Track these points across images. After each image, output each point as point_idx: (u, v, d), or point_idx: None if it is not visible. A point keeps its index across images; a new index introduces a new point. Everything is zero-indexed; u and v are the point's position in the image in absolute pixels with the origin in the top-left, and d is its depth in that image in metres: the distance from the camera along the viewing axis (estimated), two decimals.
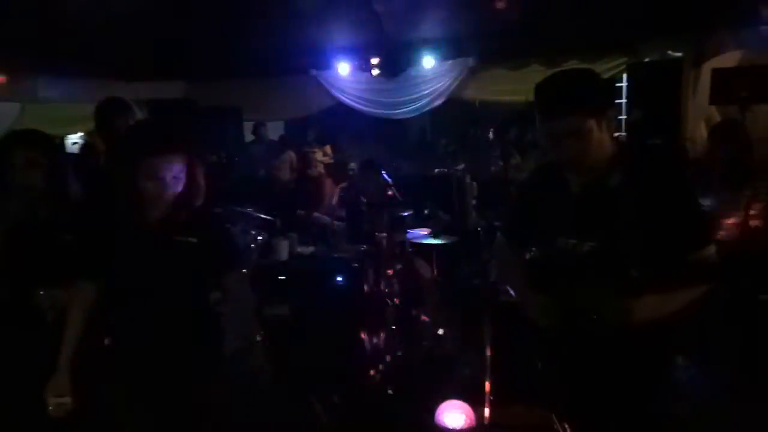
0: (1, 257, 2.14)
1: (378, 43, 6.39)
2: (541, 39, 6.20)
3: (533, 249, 2.13)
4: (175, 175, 1.86)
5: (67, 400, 1.93)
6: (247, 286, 2.11)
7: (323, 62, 6.76)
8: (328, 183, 6.97)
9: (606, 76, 6.19)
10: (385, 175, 3.72)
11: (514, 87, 6.35)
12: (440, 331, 3.94)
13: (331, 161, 8.13)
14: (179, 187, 1.90)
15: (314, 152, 8.13)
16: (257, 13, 5.88)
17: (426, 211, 5.40)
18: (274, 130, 9.05)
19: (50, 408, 1.92)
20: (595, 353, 1.81)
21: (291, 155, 8.03)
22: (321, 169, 8.02)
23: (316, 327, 3.11)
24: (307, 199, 6.20)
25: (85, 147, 6.52)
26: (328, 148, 8.33)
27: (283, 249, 3.35)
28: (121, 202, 1.90)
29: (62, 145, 7.07)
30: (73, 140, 7.74)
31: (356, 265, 3.28)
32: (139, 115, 7.32)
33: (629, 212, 1.69)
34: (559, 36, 6.15)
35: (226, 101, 7.20)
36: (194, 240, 1.93)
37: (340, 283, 3.10)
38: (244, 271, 2.69)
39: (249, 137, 8.05)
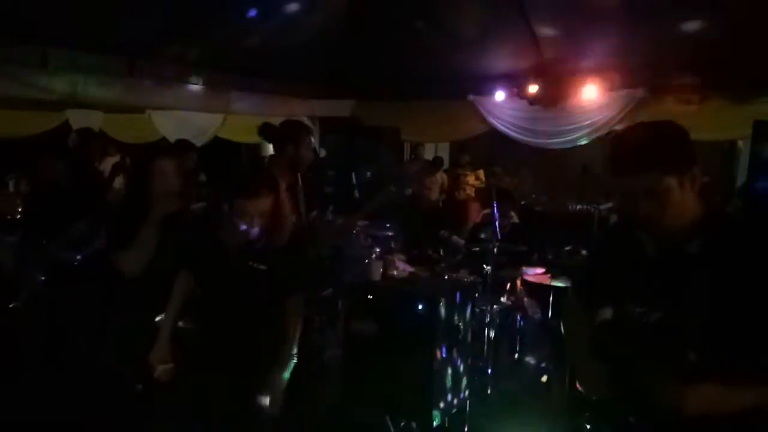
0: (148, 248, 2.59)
1: (537, 70, 6.24)
2: (727, 69, 5.50)
3: (600, 312, 1.98)
4: (260, 214, 2.15)
5: (171, 365, 2.27)
6: (301, 311, 2.33)
7: (481, 88, 6.79)
8: (475, 207, 7.00)
9: None
10: (495, 208, 3.65)
11: (689, 122, 5.68)
12: (543, 378, 3.75)
13: (482, 185, 8.13)
14: (264, 222, 2.18)
15: (466, 175, 8.22)
16: (419, 41, 6.18)
17: (567, 248, 5.14)
18: (442, 153, 9.28)
19: (156, 373, 2.26)
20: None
21: (442, 176, 8.22)
22: (471, 192, 8.08)
23: (399, 349, 3.17)
24: (451, 220, 6.31)
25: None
26: (480, 173, 8.33)
27: (377, 270, 3.51)
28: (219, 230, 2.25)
29: (257, 149, 7.93)
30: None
31: (437, 293, 3.24)
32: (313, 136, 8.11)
33: (706, 284, 1.52)
34: (750, 66, 5.40)
35: (388, 121, 7.60)
36: (263, 267, 2.22)
37: (422, 311, 3.13)
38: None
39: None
